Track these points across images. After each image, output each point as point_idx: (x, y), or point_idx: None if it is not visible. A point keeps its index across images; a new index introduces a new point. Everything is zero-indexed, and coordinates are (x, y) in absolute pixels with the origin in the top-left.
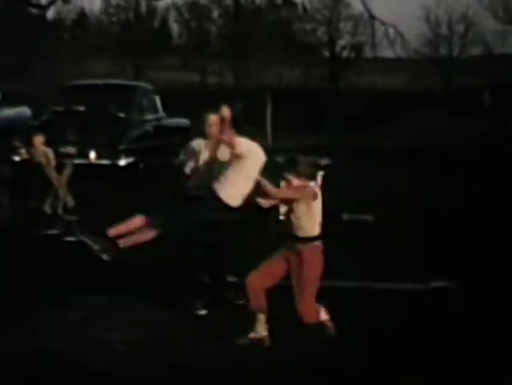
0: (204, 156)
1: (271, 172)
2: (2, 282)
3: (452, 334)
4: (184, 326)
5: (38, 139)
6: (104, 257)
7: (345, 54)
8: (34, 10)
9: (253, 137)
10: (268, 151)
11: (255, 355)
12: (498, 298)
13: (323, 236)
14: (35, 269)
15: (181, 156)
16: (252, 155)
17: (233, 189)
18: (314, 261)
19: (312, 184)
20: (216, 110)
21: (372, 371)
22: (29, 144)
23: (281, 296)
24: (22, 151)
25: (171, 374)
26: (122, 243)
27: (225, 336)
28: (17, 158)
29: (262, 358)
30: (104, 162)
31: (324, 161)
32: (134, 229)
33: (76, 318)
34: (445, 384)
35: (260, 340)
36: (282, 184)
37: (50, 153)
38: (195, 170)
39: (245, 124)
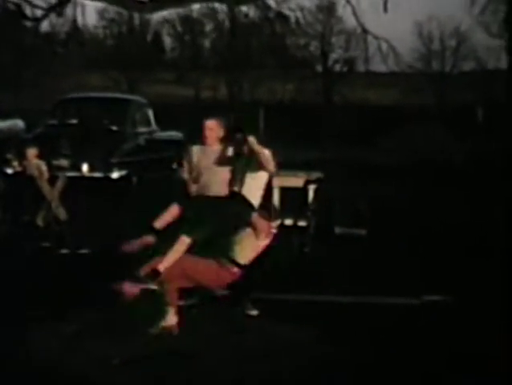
0: (199, 161)
1: None
2: None
3: (446, 349)
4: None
5: (31, 152)
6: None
7: (338, 68)
8: (27, 23)
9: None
10: None
11: (250, 370)
12: (492, 313)
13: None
14: (28, 282)
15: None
16: None
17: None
18: None
19: None
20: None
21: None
22: (22, 157)
23: None
24: (15, 163)
25: None
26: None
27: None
28: (9, 170)
29: (258, 374)
30: (97, 175)
31: (316, 174)
32: (173, 219)
33: (70, 331)
34: None
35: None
36: None
37: (43, 166)
38: (191, 175)
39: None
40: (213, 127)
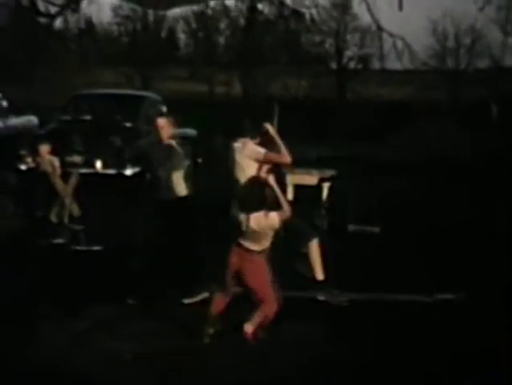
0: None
1: None
2: (8, 292)
3: (458, 346)
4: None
5: (44, 148)
6: None
7: (352, 65)
8: (42, 19)
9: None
10: None
11: (255, 368)
12: (504, 310)
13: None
14: (41, 279)
15: None
16: None
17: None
18: None
19: None
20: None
21: (378, 383)
22: (35, 153)
23: None
24: (29, 159)
25: None
26: None
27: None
28: (23, 166)
29: (261, 371)
30: (111, 171)
31: (330, 172)
32: None
33: (82, 327)
34: None
35: None
36: None
37: (56, 162)
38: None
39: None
40: (163, 126)
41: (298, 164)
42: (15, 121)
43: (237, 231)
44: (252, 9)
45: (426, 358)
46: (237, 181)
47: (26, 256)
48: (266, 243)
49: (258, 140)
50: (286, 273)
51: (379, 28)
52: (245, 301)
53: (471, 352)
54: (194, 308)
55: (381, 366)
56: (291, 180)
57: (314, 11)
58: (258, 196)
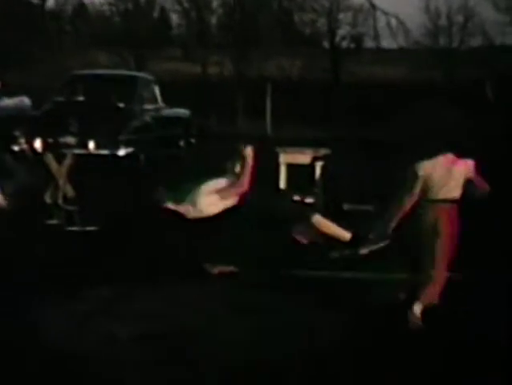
0: None
1: None
2: (3, 273)
3: (453, 326)
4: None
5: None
6: None
7: (345, 44)
8: (34, 0)
9: None
10: (268, 141)
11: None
12: (501, 291)
13: None
14: (35, 260)
15: None
16: None
17: None
18: None
19: None
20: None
21: (378, 365)
22: (28, 135)
23: None
24: (22, 140)
25: (179, 368)
26: None
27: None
28: (16, 148)
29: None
30: (104, 152)
31: (323, 151)
32: None
33: (80, 309)
34: (447, 376)
35: None
36: None
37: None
38: None
39: None
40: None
41: (293, 144)
42: (8, 102)
43: None
44: None
45: (422, 336)
46: None
47: (21, 237)
48: None
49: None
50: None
51: (373, 6)
52: None
53: (465, 331)
54: (197, 286)
55: (375, 347)
56: (284, 159)
57: None
58: None
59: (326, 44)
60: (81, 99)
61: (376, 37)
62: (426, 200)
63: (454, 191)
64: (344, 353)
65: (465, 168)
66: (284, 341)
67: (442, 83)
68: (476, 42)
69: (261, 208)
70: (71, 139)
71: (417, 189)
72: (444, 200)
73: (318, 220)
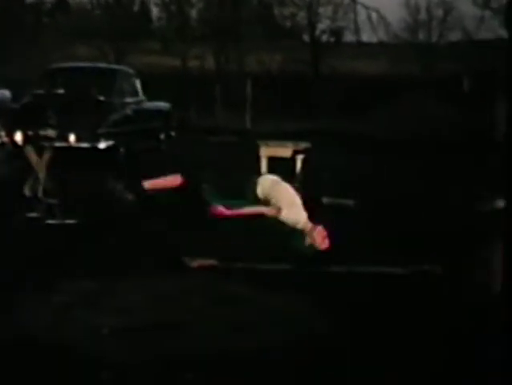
0: None
1: None
2: None
3: (433, 318)
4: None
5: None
6: (128, 196)
7: (325, 38)
8: None
9: None
10: (247, 135)
11: (243, 339)
12: (481, 282)
13: None
14: (15, 253)
15: None
16: None
17: None
18: None
19: None
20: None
21: (355, 354)
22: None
23: None
24: (2, 133)
25: (160, 361)
26: (147, 184)
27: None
28: None
29: (249, 341)
30: (84, 145)
31: (304, 145)
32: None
33: (60, 302)
34: (428, 368)
35: None
36: None
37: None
38: None
39: None
40: None
41: (273, 137)
42: None
43: None
44: None
45: (403, 329)
46: None
47: (1, 230)
48: None
49: None
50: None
51: (353, 0)
52: None
53: (447, 322)
54: (177, 279)
55: (358, 336)
56: (265, 152)
57: None
58: None
59: (306, 38)
60: (61, 91)
61: (357, 31)
62: None
63: None
64: (326, 342)
65: None
66: (264, 332)
67: (421, 77)
68: (455, 36)
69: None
70: (51, 132)
71: None
72: None
73: None
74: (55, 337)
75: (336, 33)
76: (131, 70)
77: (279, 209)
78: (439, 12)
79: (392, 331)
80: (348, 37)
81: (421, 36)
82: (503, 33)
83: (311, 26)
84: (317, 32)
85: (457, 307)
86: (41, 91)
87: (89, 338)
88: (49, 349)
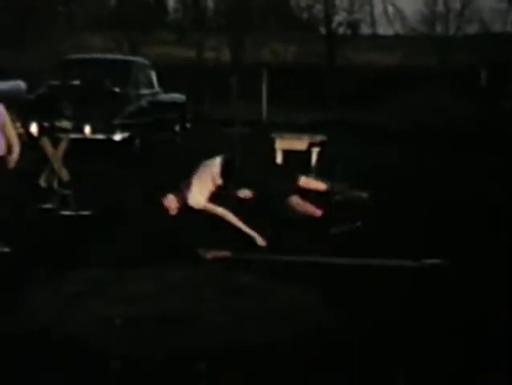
0: None
1: None
2: None
3: (444, 311)
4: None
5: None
6: None
7: (341, 31)
8: None
9: None
10: (262, 126)
11: (251, 331)
12: (491, 276)
13: None
14: (30, 243)
15: None
16: None
17: None
18: None
19: None
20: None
21: (364, 347)
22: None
23: None
24: (17, 124)
25: (171, 352)
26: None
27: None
28: None
29: (256, 334)
30: (99, 136)
31: (320, 137)
32: None
33: (72, 292)
34: (437, 360)
35: None
36: None
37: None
38: None
39: None
40: None
41: (288, 129)
42: (3, 86)
43: None
44: None
45: (413, 322)
46: None
47: (16, 221)
48: None
49: None
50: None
51: None
52: None
53: (458, 315)
54: (188, 270)
55: (367, 329)
56: (280, 145)
57: None
58: None
59: (322, 30)
60: (76, 83)
61: (373, 23)
62: None
63: None
64: (332, 336)
65: None
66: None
67: (437, 70)
68: (472, 29)
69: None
70: (66, 124)
71: None
72: None
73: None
74: (66, 326)
75: (353, 25)
76: (146, 62)
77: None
78: (456, 5)
79: (400, 324)
80: (365, 29)
81: (438, 29)
82: None
83: (328, 18)
84: (333, 24)
85: (466, 300)
86: (56, 82)
87: (101, 328)
88: (59, 338)
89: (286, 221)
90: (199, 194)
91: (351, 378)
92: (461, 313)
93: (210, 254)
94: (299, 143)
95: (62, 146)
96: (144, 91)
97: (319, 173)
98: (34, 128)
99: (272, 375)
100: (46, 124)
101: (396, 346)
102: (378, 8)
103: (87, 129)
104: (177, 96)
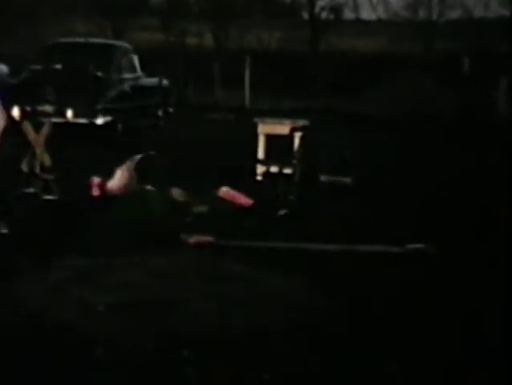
0: None
1: None
2: None
3: (429, 296)
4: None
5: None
6: None
7: (324, 16)
8: None
9: None
10: (246, 112)
11: (239, 320)
12: (476, 261)
13: None
14: (12, 228)
15: None
16: None
17: None
18: None
19: None
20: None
21: (350, 333)
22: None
23: None
24: None
25: (156, 338)
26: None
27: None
28: None
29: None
30: (82, 121)
31: (302, 122)
32: None
33: (56, 278)
34: (422, 346)
35: None
36: None
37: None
38: None
39: None
40: None
41: (271, 115)
42: None
43: None
44: None
45: (398, 307)
46: None
47: None
48: None
49: None
50: None
51: None
52: None
53: (441, 300)
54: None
55: (353, 315)
56: (262, 129)
57: None
58: None
59: (305, 15)
60: (59, 67)
61: (356, 8)
62: None
63: None
64: (322, 321)
65: None
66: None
67: (420, 56)
68: (455, 14)
69: None
70: (48, 108)
71: None
72: None
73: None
74: (52, 313)
75: (336, 10)
76: (129, 46)
77: None
78: None
79: (388, 311)
80: (348, 14)
81: (421, 14)
82: (504, 12)
83: (311, 3)
84: (316, 9)
85: (454, 287)
86: (39, 67)
87: (84, 315)
88: (45, 325)
89: None
90: (117, 181)
91: (337, 364)
92: (447, 299)
93: (193, 239)
94: (281, 128)
95: (45, 130)
96: (127, 76)
97: (302, 158)
98: (15, 112)
99: (258, 362)
100: (28, 108)
101: (382, 332)
102: None
103: (69, 113)
104: (160, 81)
